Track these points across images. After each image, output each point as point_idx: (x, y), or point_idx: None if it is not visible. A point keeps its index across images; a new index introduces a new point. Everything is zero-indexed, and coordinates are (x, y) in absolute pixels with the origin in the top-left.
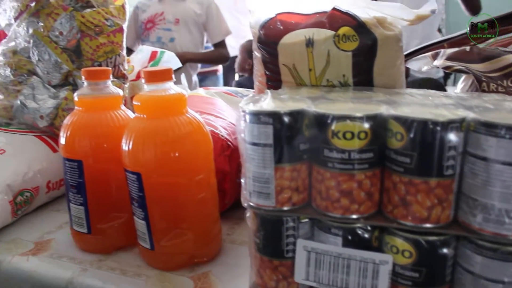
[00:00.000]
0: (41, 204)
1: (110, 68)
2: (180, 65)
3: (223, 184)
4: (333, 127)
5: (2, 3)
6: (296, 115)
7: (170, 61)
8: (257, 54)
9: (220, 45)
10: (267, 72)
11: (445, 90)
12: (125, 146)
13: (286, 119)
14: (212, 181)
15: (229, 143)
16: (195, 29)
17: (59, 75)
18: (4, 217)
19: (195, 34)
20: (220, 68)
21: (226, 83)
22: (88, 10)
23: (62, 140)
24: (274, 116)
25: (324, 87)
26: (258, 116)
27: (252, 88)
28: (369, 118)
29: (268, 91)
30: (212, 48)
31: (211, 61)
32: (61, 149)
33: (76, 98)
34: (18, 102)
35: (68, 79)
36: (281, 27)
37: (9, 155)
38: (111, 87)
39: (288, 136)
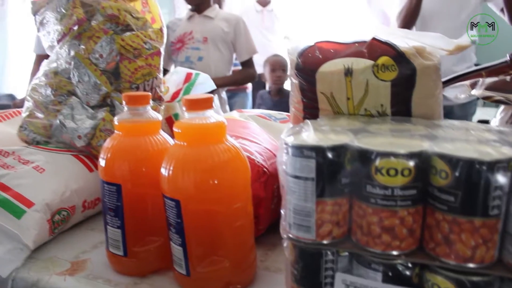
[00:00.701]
0: (76, 223)
1: (150, 94)
2: (214, 87)
3: (258, 210)
4: (376, 163)
5: (46, 26)
6: (339, 149)
7: (205, 82)
8: (294, 80)
9: (247, 64)
10: (304, 99)
11: None
12: (165, 172)
13: (329, 154)
14: (249, 209)
15: (265, 169)
16: (223, 47)
17: (97, 96)
18: (42, 235)
19: (224, 52)
20: (249, 85)
21: (254, 100)
22: (128, 33)
23: (102, 163)
24: (318, 151)
25: (362, 116)
26: (301, 150)
27: None
28: (413, 155)
29: (308, 121)
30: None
31: (239, 82)
32: (101, 172)
33: (116, 123)
34: (58, 121)
35: (106, 100)
36: (320, 56)
37: (48, 174)
38: (151, 112)
39: (331, 170)
